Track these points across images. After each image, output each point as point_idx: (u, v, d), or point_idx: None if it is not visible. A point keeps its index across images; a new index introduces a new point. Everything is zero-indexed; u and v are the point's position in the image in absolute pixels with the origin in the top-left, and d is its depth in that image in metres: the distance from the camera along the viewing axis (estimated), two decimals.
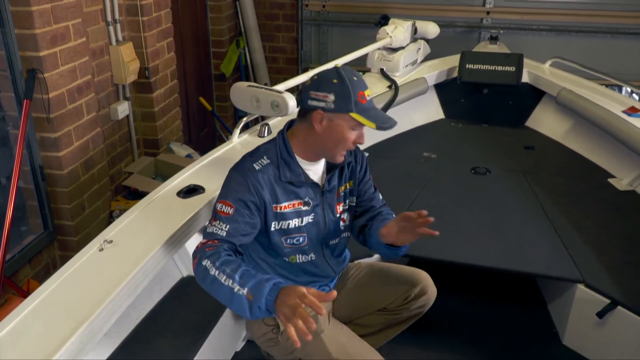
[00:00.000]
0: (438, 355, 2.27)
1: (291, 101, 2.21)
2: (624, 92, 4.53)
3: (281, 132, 1.75)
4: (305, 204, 1.74)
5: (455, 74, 3.67)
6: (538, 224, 2.51)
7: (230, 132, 2.63)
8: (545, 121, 3.59)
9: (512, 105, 3.69)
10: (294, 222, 1.74)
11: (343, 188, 1.84)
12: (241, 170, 1.67)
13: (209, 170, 2.30)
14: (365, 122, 1.60)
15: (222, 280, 1.45)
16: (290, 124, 1.77)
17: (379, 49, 3.51)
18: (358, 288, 1.95)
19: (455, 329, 2.42)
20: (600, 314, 2.07)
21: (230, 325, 2.07)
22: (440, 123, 3.74)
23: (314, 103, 1.61)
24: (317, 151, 1.72)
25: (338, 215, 1.83)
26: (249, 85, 2.30)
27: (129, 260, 1.71)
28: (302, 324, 1.30)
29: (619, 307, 2.05)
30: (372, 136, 3.32)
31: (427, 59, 3.87)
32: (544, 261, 2.27)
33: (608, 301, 2.07)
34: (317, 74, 1.65)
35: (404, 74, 3.56)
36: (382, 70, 3.51)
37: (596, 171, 3.06)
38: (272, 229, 1.72)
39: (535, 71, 3.61)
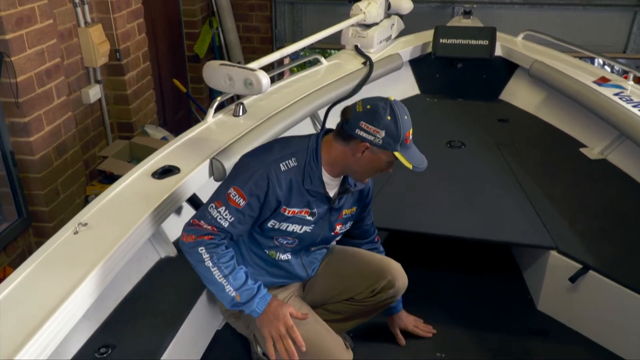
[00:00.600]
0: None
1: (264, 79, 2.19)
2: (596, 64, 4.57)
3: (316, 138, 1.72)
4: (312, 214, 1.75)
5: (429, 49, 3.67)
6: (512, 194, 2.55)
7: (206, 114, 2.61)
8: (518, 94, 3.62)
9: (486, 79, 3.71)
10: (293, 227, 1.75)
11: (349, 212, 1.86)
12: (266, 165, 1.64)
13: (183, 150, 2.29)
14: (405, 163, 1.64)
15: (216, 276, 1.62)
16: (326, 132, 1.75)
17: (352, 25, 3.49)
18: (327, 275, 1.96)
19: (433, 299, 2.45)
20: (573, 279, 2.13)
21: (210, 304, 2.07)
22: (415, 98, 3.74)
23: (363, 134, 1.61)
24: (346, 171, 1.74)
25: (334, 234, 1.86)
26: (222, 64, 2.27)
27: (105, 243, 1.70)
28: (285, 352, 1.62)
29: (591, 272, 2.11)
30: None
31: (401, 34, 3.86)
32: (518, 230, 2.31)
33: (580, 266, 2.12)
34: (370, 103, 1.62)
35: (379, 50, 3.55)
36: (356, 47, 3.49)
37: (569, 141, 3.10)
38: (269, 225, 1.73)
39: (509, 44, 3.63)
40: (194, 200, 2.22)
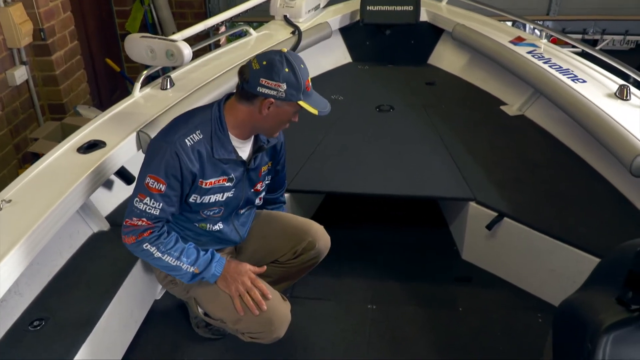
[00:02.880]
0: (350, 280, 2.42)
1: (186, 49, 2.22)
2: (527, 29, 4.66)
3: (217, 106, 1.73)
4: (230, 180, 1.78)
5: (358, 17, 3.74)
6: (436, 152, 2.68)
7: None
8: (445, 57, 3.74)
9: (414, 44, 3.82)
10: (215, 197, 1.78)
11: (265, 168, 1.91)
12: (172, 143, 1.64)
13: (110, 125, 2.29)
14: (311, 110, 1.68)
15: (170, 262, 1.71)
16: (227, 97, 1.76)
17: None
18: (254, 239, 2.02)
19: (366, 254, 2.58)
20: (489, 227, 2.28)
21: (145, 275, 2.11)
22: (347, 66, 3.82)
23: (265, 91, 1.62)
24: (255, 131, 1.76)
25: (254, 191, 1.91)
26: (142, 36, 2.28)
27: (29, 218, 1.71)
28: (252, 303, 1.74)
29: (505, 219, 2.26)
30: None
31: (330, 3, 3.91)
32: (441, 185, 2.44)
33: (495, 214, 2.27)
34: (266, 59, 1.62)
35: (308, 19, 3.59)
36: (285, 17, 3.53)
37: (490, 100, 3.25)
38: (191, 200, 1.76)
39: (433, 9, 3.73)
40: (123, 174, 2.24)
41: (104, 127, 2.27)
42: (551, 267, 2.18)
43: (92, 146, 2.11)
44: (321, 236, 2.00)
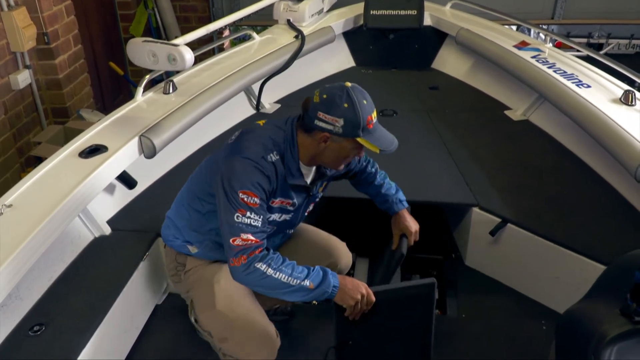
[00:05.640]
0: None
1: (188, 54, 2.22)
2: (532, 33, 4.62)
3: (291, 129, 1.68)
4: (293, 204, 1.75)
5: (362, 21, 3.73)
6: (439, 157, 2.66)
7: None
8: (448, 62, 3.73)
9: (417, 48, 3.80)
10: (274, 216, 1.74)
11: (321, 189, 1.87)
12: (257, 160, 1.61)
13: (112, 129, 2.29)
14: (370, 147, 1.62)
15: (282, 279, 1.55)
16: (299, 117, 1.70)
17: None
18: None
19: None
20: (493, 232, 2.26)
21: (148, 278, 2.11)
22: (351, 70, 3.81)
23: (322, 125, 1.58)
24: (317, 162, 1.73)
25: (306, 214, 1.88)
26: (145, 40, 2.28)
27: (30, 222, 1.71)
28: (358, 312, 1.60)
29: (509, 225, 2.24)
30: (282, 88, 3.36)
31: (334, 7, 3.91)
32: (443, 190, 2.43)
33: (499, 220, 2.25)
34: (326, 93, 1.59)
35: (311, 24, 3.58)
36: (288, 21, 3.52)
37: (494, 105, 3.23)
38: None
39: (437, 14, 3.72)
40: (124, 178, 2.24)
41: (106, 131, 2.27)
42: (555, 274, 2.16)
43: (93, 151, 2.11)
44: (344, 255, 1.97)
